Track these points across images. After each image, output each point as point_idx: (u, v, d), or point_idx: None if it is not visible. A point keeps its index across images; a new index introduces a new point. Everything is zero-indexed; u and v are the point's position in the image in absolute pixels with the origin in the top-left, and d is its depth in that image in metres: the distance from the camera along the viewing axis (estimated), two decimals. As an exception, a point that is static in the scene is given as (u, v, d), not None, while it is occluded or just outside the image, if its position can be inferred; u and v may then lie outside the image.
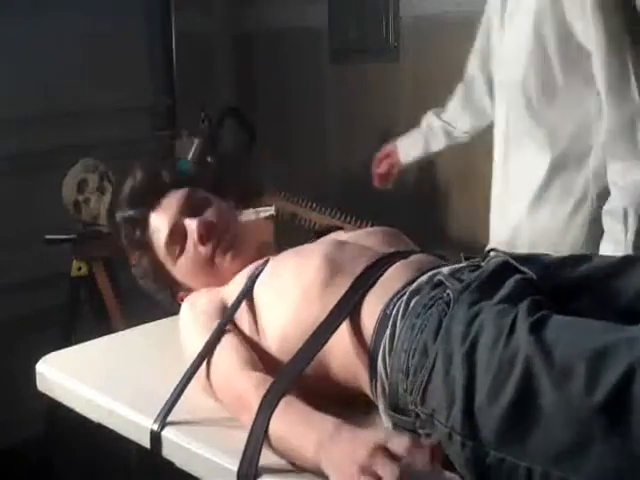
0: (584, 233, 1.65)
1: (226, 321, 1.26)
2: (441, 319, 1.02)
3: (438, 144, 2.08)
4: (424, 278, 1.14)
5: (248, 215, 1.66)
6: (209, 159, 2.63)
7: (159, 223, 1.41)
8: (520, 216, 1.71)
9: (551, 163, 1.64)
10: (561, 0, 1.52)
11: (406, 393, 1.03)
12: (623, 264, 1.10)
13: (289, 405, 1.06)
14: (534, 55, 1.60)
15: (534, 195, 1.67)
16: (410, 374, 1.02)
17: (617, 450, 0.84)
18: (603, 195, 1.57)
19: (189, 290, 1.42)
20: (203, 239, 1.38)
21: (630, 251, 1.46)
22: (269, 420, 1.05)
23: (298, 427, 1.03)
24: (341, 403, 1.12)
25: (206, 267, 1.39)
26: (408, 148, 2.11)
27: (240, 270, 1.37)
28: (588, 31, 1.49)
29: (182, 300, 1.40)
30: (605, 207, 1.54)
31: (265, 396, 1.08)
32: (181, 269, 1.41)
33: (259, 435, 1.04)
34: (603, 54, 1.48)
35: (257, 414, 1.07)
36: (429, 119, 2.09)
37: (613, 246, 1.50)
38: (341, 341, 1.14)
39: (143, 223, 1.42)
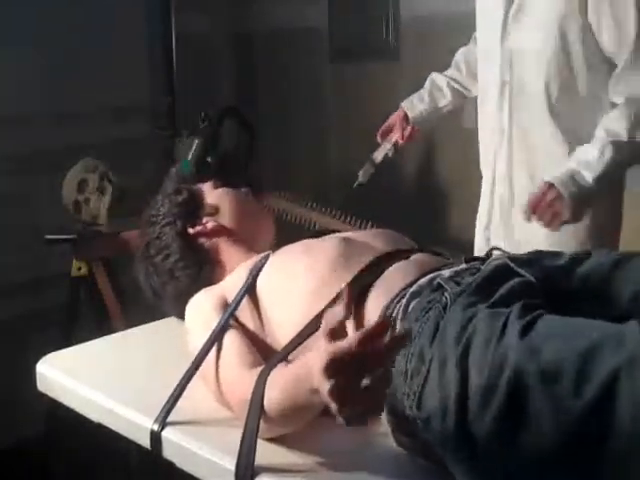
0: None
1: (227, 318, 1.26)
2: (438, 323, 1.03)
3: (445, 100, 2.06)
4: (424, 280, 1.14)
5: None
6: (209, 159, 2.63)
7: (205, 187, 1.53)
8: None
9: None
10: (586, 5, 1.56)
11: (404, 397, 1.03)
12: (617, 265, 1.10)
13: (272, 377, 1.07)
14: (557, 58, 1.62)
15: None
16: (408, 378, 1.02)
17: (607, 452, 0.84)
18: None
19: (219, 265, 1.44)
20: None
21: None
22: (261, 409, 1.05)
23: (287, 385, 1.03)
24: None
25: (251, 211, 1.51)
26: (414, 103, 2.08)
27: (244, 258, 1.40)
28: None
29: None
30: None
31: (255, 386, 1.08)
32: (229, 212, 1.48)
33: (252, 431, 1.05)
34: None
35: (249, 407, 1.07)
36: (432, 76, 2.08)
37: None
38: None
39: (194, 193, 1.51)
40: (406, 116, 2.09)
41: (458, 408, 0.94)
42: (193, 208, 1.48)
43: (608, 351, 0.88)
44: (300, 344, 1.14)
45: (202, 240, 1.45)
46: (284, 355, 1.14)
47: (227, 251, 1.45)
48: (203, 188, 1.53)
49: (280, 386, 1.04)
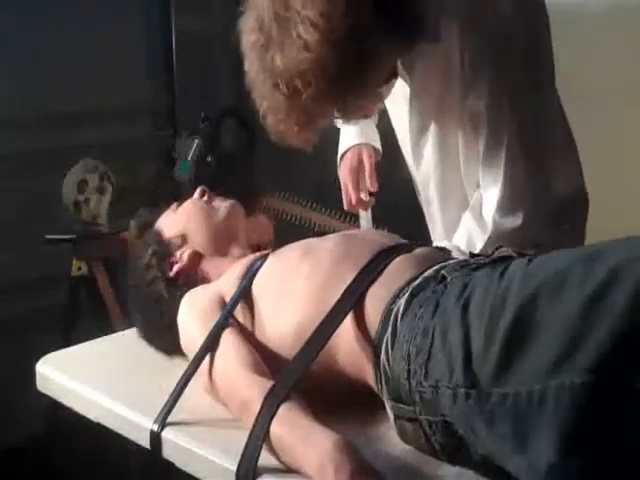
0: None
1: (226, 317, 1.25)
2: (438, 300, 1.04)
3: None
4: (428, 273, 1.14)
5: None
6: (209, 159, 2.63)
7: (163, 220, 1.49)
8: None
9: None
10: None
11: (407, 381, 1.03)
12: None
13: (290, 412, 1.06)
14: None
15: None
16: (412, 360, 1.02)
17: (609, 340, 0.84)
18: None
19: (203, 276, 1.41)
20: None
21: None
22: (269, 424, 1.05)
23: (298, 442, 1.03)
24: (347, 398, 1.14)
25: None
26: (369, 134, 1.87)
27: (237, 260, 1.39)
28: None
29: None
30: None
31: (267, 397, 1.08)
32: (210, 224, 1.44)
33: (259, 437, 1.05)
34: None
35: (257, 416, 1.07)
36: None
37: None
38: (347, 334, 1.14)
39: (155, 235, 1.46)
40: (361, 154, 1.88)
41: (464, 357, 0.94)
42: (162, 253, 1.42)
43: (614, 252, 0.90)
44: (313, 360, 1.12)
45: (188, 274, 1.40)
46: (299, 374, 1.12)
47: (215, 268, 1.40)
48: (161, 224, 1.47)
49: (287, 439, 1.04)
